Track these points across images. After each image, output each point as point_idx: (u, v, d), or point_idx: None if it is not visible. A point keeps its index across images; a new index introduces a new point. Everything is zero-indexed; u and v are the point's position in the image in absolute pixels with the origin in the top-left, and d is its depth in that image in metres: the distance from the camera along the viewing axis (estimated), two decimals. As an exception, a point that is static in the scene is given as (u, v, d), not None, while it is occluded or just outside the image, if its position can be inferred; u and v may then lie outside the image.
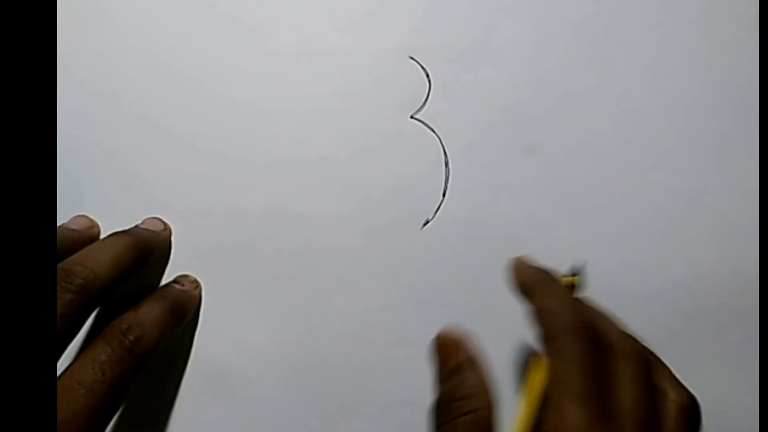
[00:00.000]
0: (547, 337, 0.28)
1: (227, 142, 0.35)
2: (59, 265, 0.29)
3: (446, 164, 0.35)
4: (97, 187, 0.35)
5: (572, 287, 0.33)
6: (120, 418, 0.33)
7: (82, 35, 0.36)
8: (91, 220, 0.34)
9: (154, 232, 0.34)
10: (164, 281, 0.35)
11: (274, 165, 0.35)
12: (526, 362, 0.32)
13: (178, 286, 0.33)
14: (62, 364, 0.29)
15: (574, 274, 0.33)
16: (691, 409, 0.28)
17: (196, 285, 0.34)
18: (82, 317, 0.29)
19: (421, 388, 0.32)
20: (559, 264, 0.33)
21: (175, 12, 0.36)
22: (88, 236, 0.34)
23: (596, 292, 0.34)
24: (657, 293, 0.35)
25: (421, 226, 0.35)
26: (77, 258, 0.30)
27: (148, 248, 0.33)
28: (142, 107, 0.36)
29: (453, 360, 0.30)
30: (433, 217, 0.35)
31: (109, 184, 0.35)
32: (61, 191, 0.35)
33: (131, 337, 0.29)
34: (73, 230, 0.33)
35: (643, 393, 0.27)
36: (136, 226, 0.34)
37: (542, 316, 0.28)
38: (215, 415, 0.34)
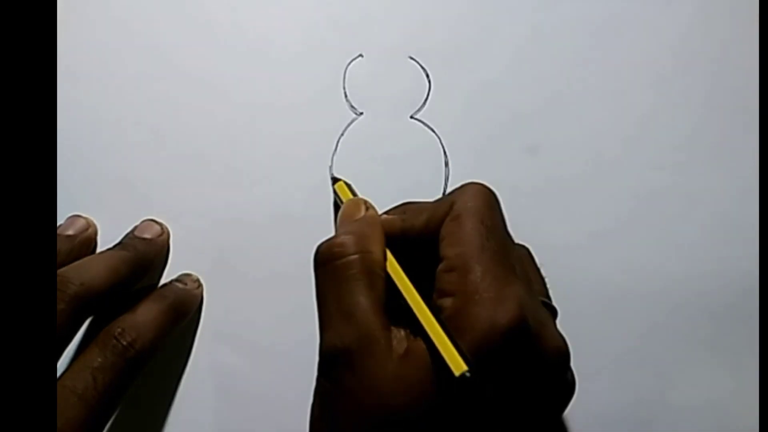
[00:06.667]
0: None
1: (227, 141, 0.35)
2: None
3: (446, 164, 0.35)
4: (95, 187, 0.35)
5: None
6: (119, 417, 0.32)
7: (83, 35, 0.36)
8: (87, 221, 0.34)
9: (151, 241, 0.33)
10: (162, 281, 0.34)
11: (274, 165, 0.35)
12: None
13: (180, 285, 0.33)
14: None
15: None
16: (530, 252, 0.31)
17: (198, 284, 0.34)
18: (74, 327, 0.29)
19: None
20: (559, 264, 0.33)
21: (176, 13, 0.36)
22: (84, 239, 0.33)
23: (596, 292, 0.34)
24: (657, 293, 0.35)
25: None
26: (72, 268, 0.30)
27: (147, 262, 0.33)
28: (141, 107, 0.36)
29: (355, 214, 0.30)
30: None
31: (108, 183, 0.35)
32: (59, 190, 0.35)
33: (124, 342, 0.29)
34: (69, 236, 0.33)
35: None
36: (133, 230, 0.34)
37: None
38: (215, 415, 0.33)
